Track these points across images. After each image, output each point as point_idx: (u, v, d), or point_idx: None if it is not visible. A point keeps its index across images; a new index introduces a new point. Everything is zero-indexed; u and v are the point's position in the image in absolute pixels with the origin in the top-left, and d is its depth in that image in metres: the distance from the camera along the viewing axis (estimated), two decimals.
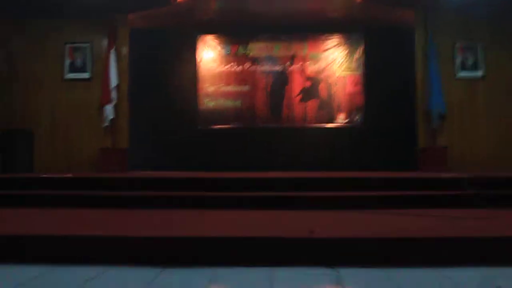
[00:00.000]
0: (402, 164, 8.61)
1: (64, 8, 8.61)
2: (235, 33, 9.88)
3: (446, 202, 5.33)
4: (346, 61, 9.70)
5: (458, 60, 8.86)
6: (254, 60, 9.78)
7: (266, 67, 9.76)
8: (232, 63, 9.78)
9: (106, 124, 8.67)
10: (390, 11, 9.05)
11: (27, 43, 9.04)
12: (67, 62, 9.01)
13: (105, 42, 8.97)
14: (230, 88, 9.72)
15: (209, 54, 9.84)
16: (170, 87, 9.67)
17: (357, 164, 8.72)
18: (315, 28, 9.74)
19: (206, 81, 9.74)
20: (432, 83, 8.52)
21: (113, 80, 8.71)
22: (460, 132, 8.69)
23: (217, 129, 9.61)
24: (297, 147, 9.37)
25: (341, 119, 9.55)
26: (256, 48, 9.83)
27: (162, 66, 9.67)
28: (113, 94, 8.72)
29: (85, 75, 8.98)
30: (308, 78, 9.68)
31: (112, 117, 8.68)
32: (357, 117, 9.54)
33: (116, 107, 8.77)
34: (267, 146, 9.38)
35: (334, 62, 9.71)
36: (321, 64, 9.71)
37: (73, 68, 9.01)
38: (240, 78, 9.75)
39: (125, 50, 9.08)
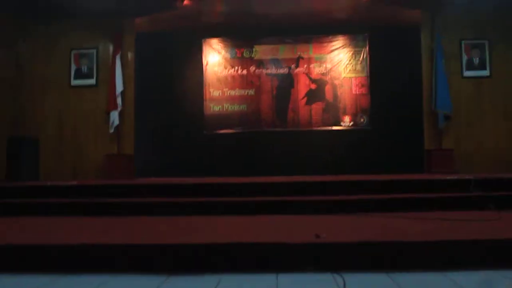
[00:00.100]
0: (408, 166, 8.58)
1: (70, 13, 8.64)
2: (240, 36, 9.89)
3: (453, 204, 5.30)
4: (352, 63, 9.68)
5: (464, 59, 8.81)
6: (259, 63, 9.79)
7: (271, 70, 9.76)
8: (237, 67, 9.79)
9: (112, 130, 8.68)
10: (395, 11, 9.02)
11: (33, 49, 9.07)
12: (73, 68, 9.05)
13: (110, 48, 9.00)
14: (236, 92, 9.73)
15: (215, 57, 9.86)
16: (176, 92, 9.71)
17: (363, 166, 8.69)
18: (320, 30, 9.73)
19: (212, 85, 9.76)
20: (438, 83, 8.47)
21: (119, 86, 8.73)
22: (466, 133, 8.63)
23: (223, 133, 9.61)
24: (303, 150, 9.36)
25: (346, 122, 9.52)
26: (261, 51, 9.83)
27: (168, 71, 9.70)
28: (119, 100, 8.73)
29: (91, 81, 9.01)
30: (314, 81, 9.67)
31: (118, 123, 8.68)
32: (362, 119, 9.51)
33: (122, 113, 8.79)
34: (272, 150, 9.38)
35: (340, 63, 9.69)
36: (326, 66, 9.70)
37: (79, 75, 9.05)
38: (246, 81, 9.76)
39: (131, 55, 9.11)
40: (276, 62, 9.80)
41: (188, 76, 9.78)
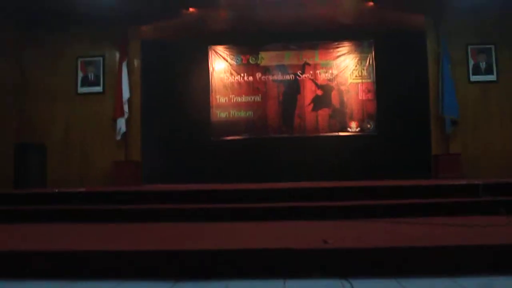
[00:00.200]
0: (415, 171, 8.55)
1: (76, 22, 8.71)
2: (246, 42, 9.91)
3: (461, 210, 5.27)
4: (358, 68, 9.67)
5: (471, 64, 8.78)
6: (265, 70, 9.80)
7: (277, 76, 9.77)
8: (243, 73, 9.81)
9: (119, 137, 8.70)
10: (400, 17, 9.02)
11: (40, 57, 9.13)
12: (80, 76, 9.09)
13: (117, 55, 9.05)
14: (242, 99, 9.74)
15: (221, 64, 9.88)
16: (183, 98, 9.72)
17: (370, 172, 8.65)
18: (325, 36, 9.74)
19: (218, 92, 9.78)
20: (444, 88, 8.44)
21: (126, 93, 8.76)
22: (474, 137, 8.59)
23: (230, 140, 9.62)
24: (310, 156, 9.33)
25: (353, 127, 9.50)
26: (267, 57, 9.84)
27: (174, 78, 9.72)
28: (126, 107, 8.76)
29: (98, 89, 9.05)
30: (320, 86, 9.67)
31: (125, 130, 8.71)
32: (369, 124, 9.49)
33: (128, 120, 8.82)
34: (279, 156, 9.36)
35: (346, 69, 9.69)
36: (332, 72, 9.70)
37: (86, 82, 9.09)
38: (252, 88, 9.77)
39: (137, 62, 9.14)
40: (282, 68, 9.81)
41: (194, 83, 9.80)
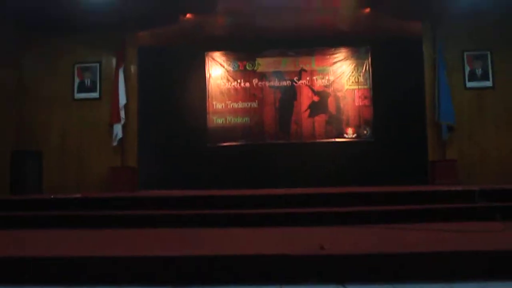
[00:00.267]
0: (412, 177, 8.57)
1: (74, 28, 8.71)
2: (243, 49, 9.93)
3: (457, 216, 5.28)
4: (354, 75, 9.70)
5: (467, 71, 8.81)
6: (262, 76, 9.82)
7: (274, 83, 9.79)
8: (240, 79, 9.82)
9: (116, 143, 8.70)
10: (397, 23, 9.05)
11: (37, 63, 9.12)
12: (77, 81, 9.09)
13: (114, 61, 9.04)
14: (239, 105, 9.75)
15: (218, 70, 9.89)
16: (179, 104, 9.72)
17: (367, 178, 8.67)
18: (322, 42, 9.77)
19: (215, 98, 9.78)
20: (441, 95, 8.47)
21: (122, 99, 8.75)
22: (470, 143, 8.60)
23: (226, 146, 9.62)
24: (306, 162, 9.34)
25: (349, 134, 9.52)
26: (264, 64, 9.86)
27: (171, 84, 9.73)
28: (122, 113, 8.75)
29: (95, 95, 9.04)
30: (316, 93, 9.69)
31: (121, 136, 8.70)
32: (365, 131, 9.50)
33: (125, 126, 8.81)
34: (275, 162, 9.36)
35: (342, 76, 9.72)
36: (329, 78, 9.72)
37: (83, 88, 9.08)
38: (248, 94, 9.78)
39: (133, 68, 9.15)
40: (279, 74, 9.82)
41: (191, 89, 9.81)
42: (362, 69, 9.67)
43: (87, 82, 9.08)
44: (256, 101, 9.76)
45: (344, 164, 9.31)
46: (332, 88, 9.70)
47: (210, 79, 9.86)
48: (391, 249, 3.59)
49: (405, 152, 9.07)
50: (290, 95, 9.73)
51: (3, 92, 8.63)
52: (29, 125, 8.93)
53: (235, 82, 9.80)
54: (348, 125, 9.56)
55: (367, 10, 8.76)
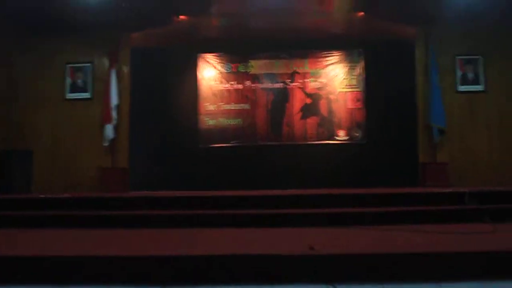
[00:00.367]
0: (403, 179, 8.60)
1: (66, 28, 8.67)
2: (236, 51, 9.90)
3: (448, 217, 5.30)
4: (347, 77, 9.69)
5: (458, 74, 8.87)
6: (255, 78, 9.79)
7: (267, 85, 9.77)
8: (232, 81, 9.80)
9: (107, 143, 8.67)
10: (390, 27, 9.07)
11: (29, 63, 9.07)
12: (68, 82, 9.05)
13: (106, 62, 9.01)
14: (231, 106, 9.72)
15: (210, 72, 9.86)
16: (172, 106, 9.68)
17: (358, 180, 8.67)
18: (315, 45, 9.75)
19: (207, 100, 9.75)
20: (432, 98, 8.52)
21: (114, 100, 8.73)
22: (461, 146, 8.65)
23: (218, 147, 9.59)
24: (298, 164, 9.31)
25: (341, 136, 9.52)
26: (257, 66, 9.84)
27: (163, 85, 9.68)
28: (114, 114, 8.72)
29: (86, 95, 9.01)
30: (309, 95, 9.69)
31: (112, 137, 8.68)
32: (357, 133, 9.51)
33: (117, 127, 8.78)
34: (268, 163, 9.34)
35: (335, 78, 9.71)
36: (321, 81, 9.71)
37: (74, 88, 9.05)
38: (241, 96, 9.75)
39: (126, 69, 9.12)
40: (272, 76, 9.81)
41: (183, 90, 9.77)
42: (355, 72, 9.67)
43: (79, 82, 9.05)
44: (249, 103, 9.74)
45: (336, 166, 9.30)
46: (324, 91, 9.69)
47: (203, 80, 9.83)
48: (381, 250, 3.60)
49: (397, 154, 9.08)
50: (282, 97, 9.72)
51: None
52: (19, 124, 8.87)
53: (228, 84, 9.78)
54: (340, 128, 9.56)
55: (361, 13, 8.79)
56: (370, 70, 9.56)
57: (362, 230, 4.76)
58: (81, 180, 8.73)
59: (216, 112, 9.71)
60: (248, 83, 9.76)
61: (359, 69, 9.66)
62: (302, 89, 9.70)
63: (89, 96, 9.01)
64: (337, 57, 9.75)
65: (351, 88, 9.66)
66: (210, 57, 9.87)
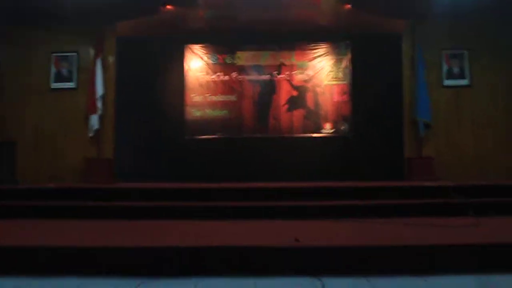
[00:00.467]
0: (389, 173, 8.64)
1: (51, 17, 8.56)
2: (223, 42, 9.83)
3: (433, 211, 5.34)
4: (333, 70, 9.67)
5: (444, 68, 8.92)
6: (242, 69, 9.74)
7: (253, 76, 9.73)
8: (219, 72, 9.74)
9: (92, 134, 8.60)
10: (377, 20, 9.08)
11: (13, 52, 8.96)
12: (53, 71, 8.95)
13: (91, 52, 8.93)
14: (217, 98, 9.67)
15: (197, 63, 9.78)
16: (158, 96, 9.58)
17: (344, 173, 8.69)
18: (302, 37, 9.71)
19: (193, 91, 9.68)
20: (419, 92, 8.58)
21: (100, 90, 8.66)
22: (446, 140, 8.72)
23: (204, 139, 9.54)
24: (284, 157, 9.28)
25: (327, 129, 9.52)
26: (244, 57, 9.79)
27: (149, 76, 9.58)
28: (99, 104, 8.66)
29: (71, 85, 8.92)
30: (295, 87, 9.67)
31: (97, 127, 8.61)
32: (343, 126, 9.51)
33: (102, 117, 8.72)
34: (254, 156, 9.31)
35: (322, 71, 9.69)
36: (308, 73, 9.68)
37: (59, 78, 8.95)
38: (227, 87, 9.70)
39: (111, 59, 9.04)
40: (259, 68, 9.76)
41: (169, 81, 9.69)
42: (342, 64, 9.66)
43: (64, 71, 8.95)
44: (235, 94, 9.70)
45: (322, 159, 9.29)
46: (311, 83, 9.67)
47: (189, 71, 9.76)
48: (366, 243, 3.60)
49: (383, 148, 9.09)
50: (269, 89, 9.68)
51: None
52: (3, 115, 8.76)
53: (215, 75, 9.72)
54: (326, 120, 9.55)
55: (348, 6, 8.78)
56: (357, 63, 9.55)
57: (348, 223, 4.77)
58: (66, 171, 8.67)
59: (202, 103, 9.64)
60: (234, 74, 9.71)
61: (345, 62, 9.65)
62: (289, 81, 9.68)
63: (74, 86, 8.92)
64: (324, 49, 9.72)
65: (338, 81, 9.64)
66: (197, 48, 9.79)
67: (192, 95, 9.64)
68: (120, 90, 9.10)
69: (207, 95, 9.64)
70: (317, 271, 3.17)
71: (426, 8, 8.42)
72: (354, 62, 9.56)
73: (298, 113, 9.57)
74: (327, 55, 9.68)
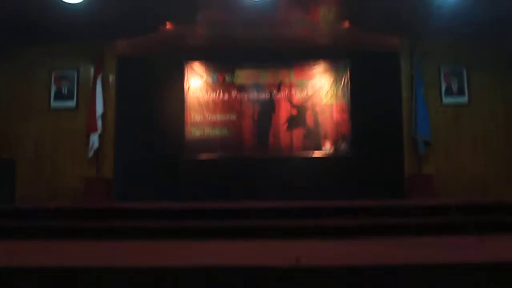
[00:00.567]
0: (389, 192, 8.59)
1: (51, 35, 8.60)
2: (222, 60, 9.87)
3: (434, 230, 5.29)
4: (333, 89, 9.70)
5: (443, 86, 8.94)
6: (241, 88, 9.76)
7: (253, 95, 9.74)
8: (219, 91, 9.76)
9: (92, 153, 8.58)
10: (375, 38, 9.12)
11: (12, 70, 9.00)
12: (53, 89, 8.97)
13: (92, 70, 8.96)
14: (217, 117, 9.67)
15: (197, 82, 9.81)
16: (157, 115, 9.59)
17: (344, 192, 8.63)
18: (301, 56, 9.76)
19: (193, 110, 9.69)
20: (418, 110, 8.58)
21: (99, 109, 8.67)
22: (446, 158, 8.70)
23: (204, 158, 9.52)
24: (284, 175, 9.25)
25: (327, 148, 9.51)
26: (243, 76, 9.82)
27: (150, 94, 9.60)
28: (99, 123, 8.65)
29: (71, 103, 8.94)
30: (295, 106, 9.68)
31: (97, 146, 8.59)
32: (343, 145, 9.50)
33: (102, 136, 8.71)
34: (254, 175, 9.28)
35: (321, 89, 9.71)
36: (307, 92, 9.70)
37: (59, 96, 8.98)
38: (227, 106, 9.71)
39: (112, 78, 9.08)
40: (258, 87, 9.78)
41: (169, 99, 9.70)
42: (341, 83, 9.68)
43: (64, 90, 8.97)
44: (235, 113, 9.70)
45: (322, 178, 9.26)
46: (310, 102, 9.68)
47: (189, 90, 9.78)
48: (367, 262, 3.56)
49: (383, 166, 9.06)
50: (269, 108, 9.69)
51: None
52: (2, 133, 8.75)
53: (214, 94, 9.73)
54: (325, 139, 9.55)
55: (346, 24, 8.84)
56: (356, 81, 9.58)
57: (347, 242, 4.73)
58: (65, 190, 8.63)
59: (202, 122, 9.65)
60: (234, 93, 9.73)
61: (345, 80, 9.67)
62: (289, 100, 9.69)
63: (74, 105, 8.95)
64: (323, 67, 9.75)
65: (337, 99, 9.66)
66: (197, 66, 9.82)
67: (192, 114, 9.64)
68: (120, 109, 9.12)
69: (207, 114, 9.65)
70: None
71: (424, 25, 8.45)
72: (353, 80, 9.59)
73: (298, 132, 9.57)
74: (326, 73, 9.72)
